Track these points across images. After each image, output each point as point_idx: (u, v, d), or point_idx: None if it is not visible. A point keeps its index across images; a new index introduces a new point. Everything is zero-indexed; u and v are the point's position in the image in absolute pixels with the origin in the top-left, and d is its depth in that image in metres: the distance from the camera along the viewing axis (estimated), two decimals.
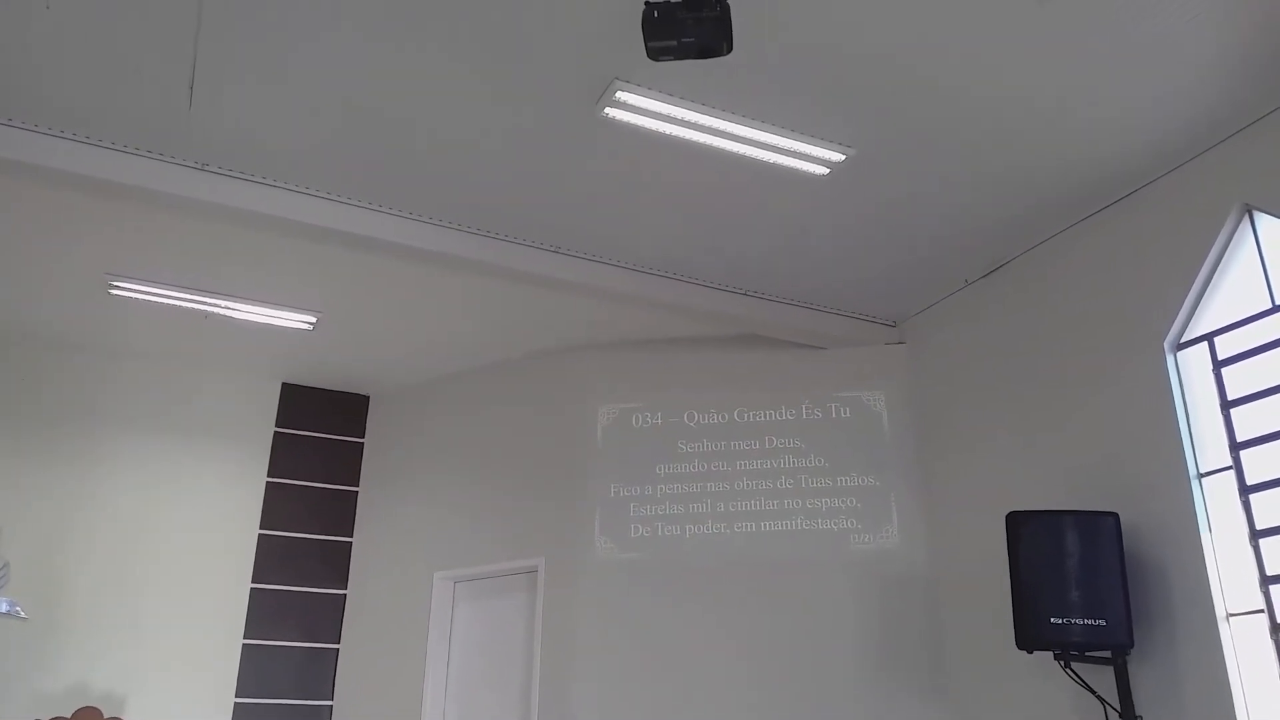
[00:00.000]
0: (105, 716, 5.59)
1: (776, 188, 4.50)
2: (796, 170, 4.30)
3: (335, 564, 6.72)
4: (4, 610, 5.65)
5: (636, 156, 4.28)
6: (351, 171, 4.44)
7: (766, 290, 5.60)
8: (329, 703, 6.43)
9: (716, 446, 5.94)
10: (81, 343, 6.30)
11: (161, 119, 4.02)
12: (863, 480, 5.75)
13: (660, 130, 4.00)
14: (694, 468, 5.92)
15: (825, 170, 4.30)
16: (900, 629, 5.42)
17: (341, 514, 6.85)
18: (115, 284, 5.39)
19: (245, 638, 6.33)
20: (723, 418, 6.00)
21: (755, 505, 5.77)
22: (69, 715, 5.52)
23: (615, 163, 4.33)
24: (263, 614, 6.42)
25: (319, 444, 6.95)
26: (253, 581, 6.46)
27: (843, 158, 4.21)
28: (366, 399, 7.20)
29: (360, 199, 4.64)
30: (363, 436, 7.11)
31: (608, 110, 3.87)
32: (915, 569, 5.50)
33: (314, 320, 5.84)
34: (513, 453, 6.36)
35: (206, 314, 5.75)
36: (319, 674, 6.46)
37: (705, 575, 5.66)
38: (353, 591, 6.70)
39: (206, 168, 4.33)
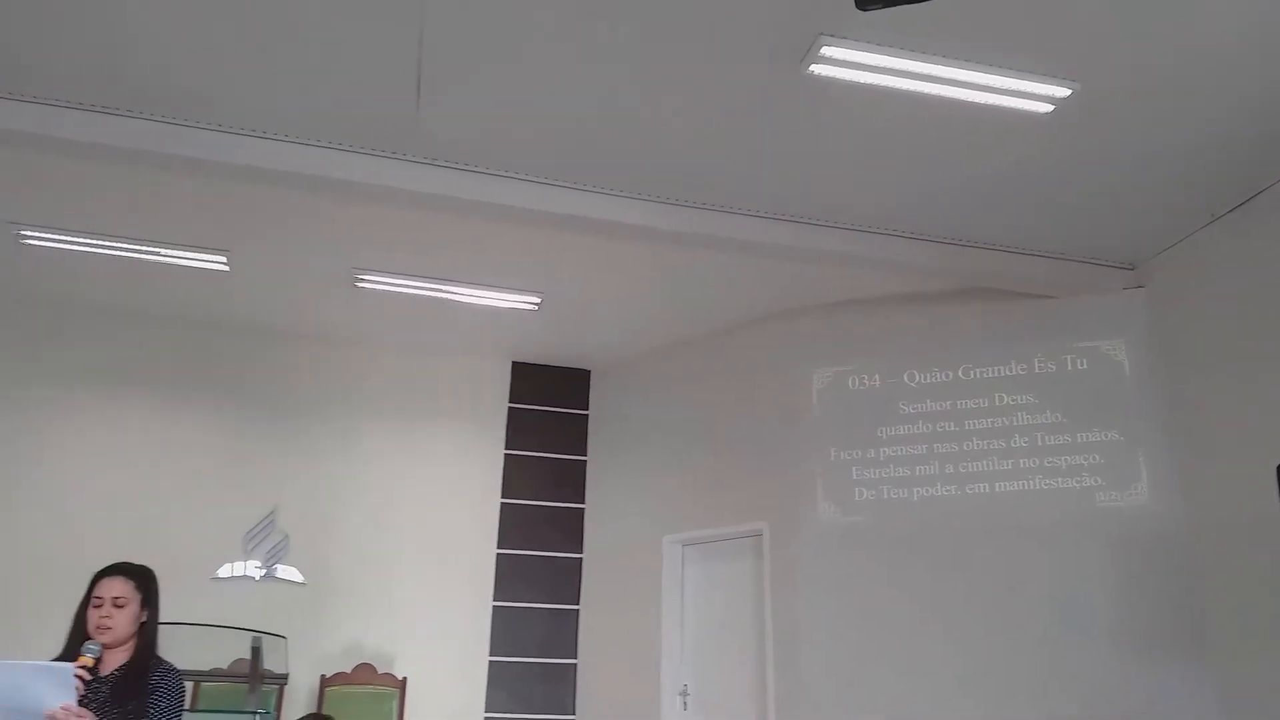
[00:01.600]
0: (379, 672, 6.17)
1: (996, 131, 4.28)
2: (1018, 111, 4.07)
3: (570, 529, 7.07)
4: (279, 576, 6.35)
5: (846, 113, 4.19)
6: (569, 156, 4.60)
7: (989, 239, 5.35)
8: (573, 661, 6.79)
9: (941, 406, 5.76)
10: (333, 335, 6.90)
11: (391, 119, 4.33)
12: (1105, 435, 5.40)
13: (870, 83, 3.90)
14: (918, 429, 5.77)
15: (1049, 108, 4.05)
16: (1155, 594, 5.06)
17: (573, 481, 7.19)
18: (361, 278, 5.87)
19: (495, 600, 6.77)
20: (947, 376, 5.81)
21: (988, 465, 5.55)
22: (349, 670, 6.13)
23: (824, 121, 4.27)
24: (509, 578, 6.85)
25: (548, 417, 7.30)
26: (498, 547, 6.90)
27: (1068, 93, 3.94)
28: (588, 373, 7.49)
29: (579, 181, 4.81)
30: (586, 409, 7.41)
31: (814, 68, 3.82)
32: (1170, 527, 5.12)
33: (538, 300, 6.12)
34: (732, 419, 6.43)
35: (442, 301, 6.16)
36: (563, 633, 6.83)
37: (935, 539, 5.53)
38: (588, 555, 7.03)
39: (436, 162, 4.63)
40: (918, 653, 5.37)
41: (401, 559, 6.69)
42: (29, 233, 5.40)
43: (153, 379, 6.63)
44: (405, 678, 6.19)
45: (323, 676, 6.06)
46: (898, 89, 3.93)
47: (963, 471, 5.59)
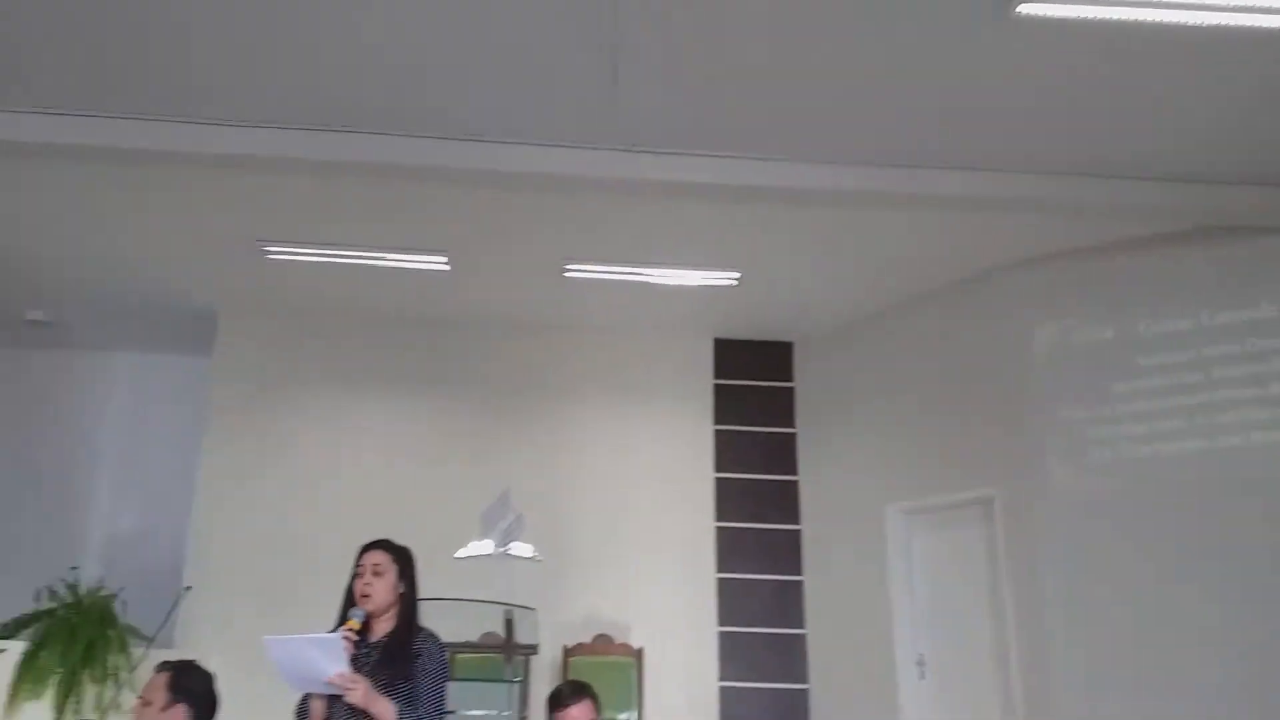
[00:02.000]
0: (616, 642, 6.43)
1: (1228, 52, 3.92)
2: (1253, 29, 3.72)
3: (786, 502, 7.09)
4: (516, 553, 6.72)
5: (1055, 53, 3.97)
6: (763, 127, 4.60)
7: (1223, 173, 4.92)
8: (801, 631, 6.82)
9: (1183, 355, 5.35)
10: (546, 323, 7.20)
11: (590, 111, 4.47)
12: None
13: (1084, 16, 3.67)
14: (1157, 381, 5.39)
15: None
16: None
17: (785, 454, 7.19)
18: (568, 268, 6.10)
19: (718, 572, 6.90)
20: (1187, 323, 5.39)
21: (1243, 416, 5.11)
22: (589, 641, 6.44)
23: (1032, 64, 4.05)
24: (730, 550, 6.96)
25: (754, 392, 7.33)
26: (716, 521, 7.02)
27: None
28: (790, 345, 7.46)
29: (774, 152, 4.80)
30: (791, 381, 7.39)
31: (1021, 8, 3.64)
32: None
33: (738, 275, 6.15)
34: (949, 382, 6.24)
35: (644, 284, 6.30)
36: (789, 604, 6.88)
37: (1186, 499, 5.15)
38: (806, 526, 7.02)
39: (634, 148, 4.75)
40: (1171, 626, 5.03)
41: (625, 534, 6.92)
42: (272, 248, 5.96)
43: (387, 374, 7.18)
44: (641, 647, 6.43)
45: (565, 647, 6.39)
46: (1114, 20, 3.68)
47: (1215, 424, 5.18)
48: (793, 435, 7.24)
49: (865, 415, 6.78)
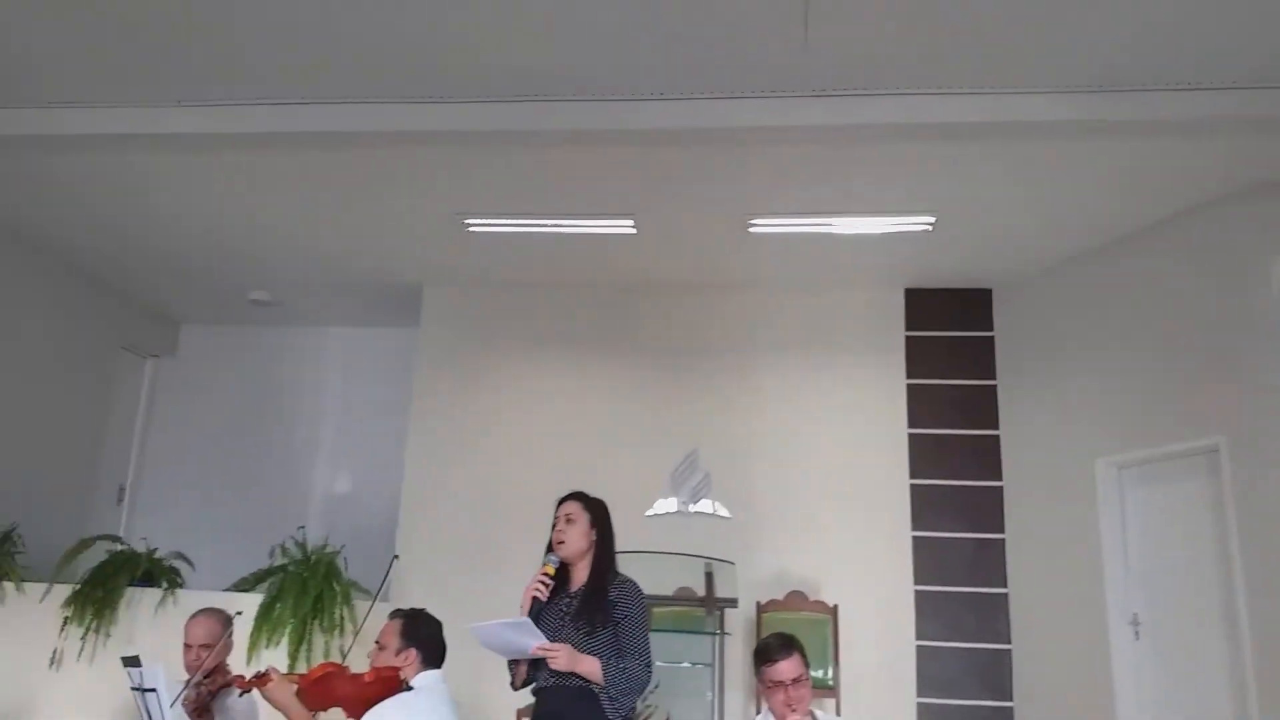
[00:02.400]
0: (810, 599, 6.40)
1: None
2: None
3: (986, 456, 6.80)
4: (706, 511, 6.78)
5: None
6: (959, 58, 4.39)
7: None
8: (1003, 590, 6.57)
9: None
10: (731, 281, 7.17)
11: (777, 58, 4.39)
12: None
13: None
14: None
15: None
16: None
17: (984, 407, 6.90)
18: (753, 223, 6.03)
19: (913, 530, 6.73)
20: None
21: None
22: (781, 597, 6.43)
23: None
24: (925, 508, 6.77)
25: (949, 343, 7.06)
26: (911, 478, 6.83)
27: None
28: (989, 292, 7.11)
29: (970, 85, 4.58)
30: (991, 330, 7.05)
31: None
32: None
33: (932, 220, 5.91)
34: (1169, 324, 5.80)
35: (831, 235, 6.16)
36: (989, 562, 6.63)
37: None
38: (1008, 482, 6.73)
39: (824, 93, 4.63)
40: None
41: (816, 491, 6.85)
42: (471, 221, 6.20)
43: (579, 339, 7.37)
44: (836, 605, 6.36)
45: (758, 603, 6.40)
46: None
47: None
48: (993, 387, 6.92)
49: (1072, 363, 6.40)
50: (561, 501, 3.35)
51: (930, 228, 5.98)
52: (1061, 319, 6.54)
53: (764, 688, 3.21)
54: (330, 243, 6.83)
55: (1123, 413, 6.00)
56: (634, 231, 6.22)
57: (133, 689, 3.31)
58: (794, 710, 3.08)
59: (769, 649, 3.23)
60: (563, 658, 2.99)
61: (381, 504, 7.70)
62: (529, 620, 3.06)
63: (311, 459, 8.45)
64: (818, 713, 3.12)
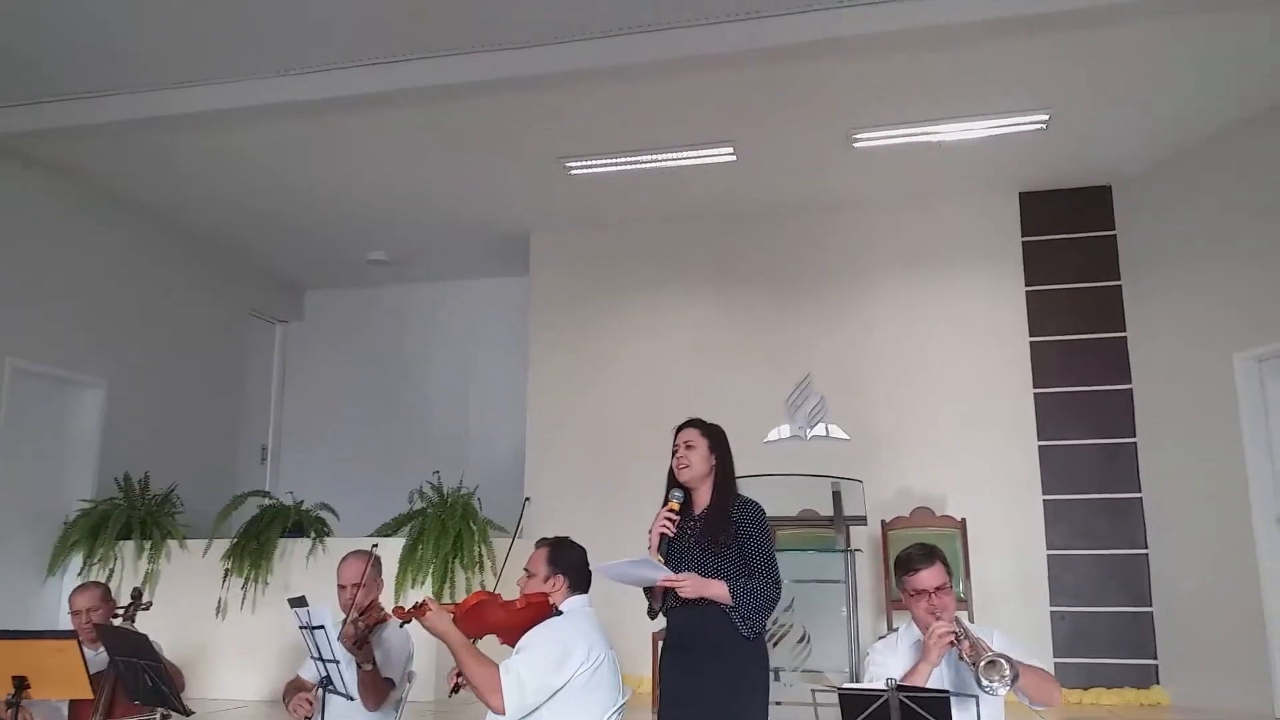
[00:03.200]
0: (937, 514, 6.38)
1: None
2: None
3: (1113, 359, 6.61)
4: (823, 434, 6.79)
5: None
6: None
7: None
8: (1137, 495, 6.42)
9: None
10: (837, 201, 7.07)
11: None
12: None
13: None
14: None
15: None
16: None
17: (1108, 310, 6.68)
18: (857, 138, 5.91)
19: (1039, 439, 6.61)
20: None
21: None
22: (907, 514, 6.43)
23: None
24: (1051, 416, 6.64)
25: (1068, 245, 6.83)
26: (1034, 387, 6.68)
27: None
28: (1108, 189, 6.82)
29: None
30: (1113, 228, 6.78)
31: None
32: None
33: (1045, 118, 5.68)
34: None
35: (939, 145, 5.99)
36: (1119, 468, 6.48)
37: None
38: (1138, 384, 6.52)
39: None
40: None
41: (937, 406, 6.78)
42: (573, 163, 6.26)
43: (685, 273, 7.42)
44: (964, 519, 6.32)
45: (883, 522, 6.41)
46: None
47: None
48: (1117, 288, 6.69)
49: (1203, 255, 6.12)
50: (679, 429, 3.36)
51: (1044, 126, 5.76)
52: (1188, 209, 6.24)
53: (907, 597, 3.22)
54: (438, 197, 7.00)
55: (1259, 302, 5.73)
56: (734, 158, 6.17)
57: (301, 628, 3.49)
58: (938, 618, 3.09)
59: (911, 559, 3.22)
60: (690, 586, 3.06)
61: (508, 445, 7.98)
62: (649, 558, 3.13)
63: (438, 408, 8.79)
64: (963, 621, 3.12)
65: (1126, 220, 6.72)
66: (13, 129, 5.86)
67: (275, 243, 8.02)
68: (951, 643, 2.99)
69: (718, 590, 3.08)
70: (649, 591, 3.28)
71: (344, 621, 3.66)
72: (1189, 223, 6.24)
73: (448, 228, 7.62)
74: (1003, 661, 2.80)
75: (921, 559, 3.21)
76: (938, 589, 3.15)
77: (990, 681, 2.80)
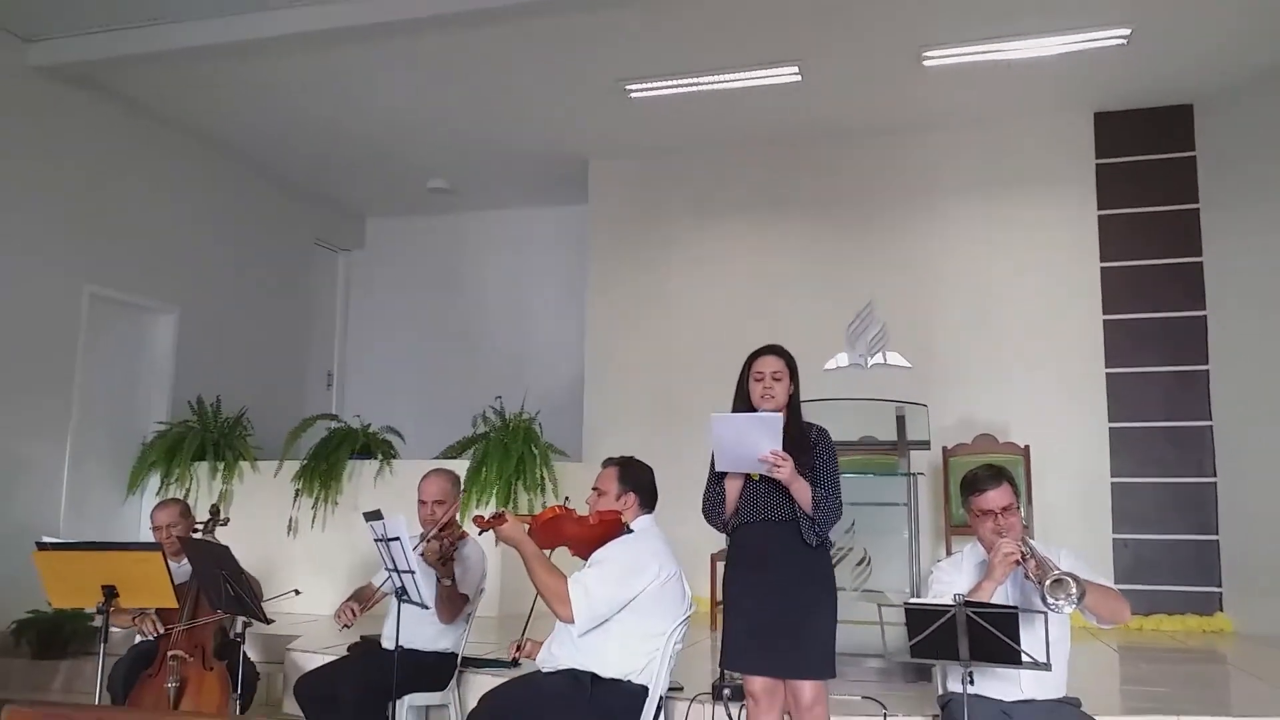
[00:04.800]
0: (1000, 442, 6.32)
1: None
2: None
3: (1188, 285, 6.43)
4: (885, 362, 6.74)
5: None
6: None
7: None
8: (1207, 423, 6.29)
9: None
10: (904, 123, 6.89)
11: None
12: None
13: None
14: None
15: None
16: None
17: (1185, 234, 6.48)
18: (927, 55, 5.73)
19: (1107, 367, 6.49)
20: None
21: None
22: (969, 441, 6.38)
23: None
24: (1120, 343, 6.50)
25: (1144, 167, 6.61)
26: (1104, 313, 6.54)
27: None
28: (1189, 108, 6.56)
29: None
30: (1192, 150, 6.53)
31: None
32: None
33: (1127, 33, 5.45)
34: None
35: (1010, 63, 5.79)
36: (1191, 396, 6.35)
37: None
38: (1213, 311, 6.35)
39: None
40: None
41: (1002, 333, 6.68)
42: (633, 86, 6.18)
43: (746, 198, 7.34)
44: (1027, 445, 6.27)
45: (944, 448, 6.38)
46: None
47: None
48: (1194, 211, 6.47)
49: None
50: (759, 356, 3.33)
51: (1124, 41, 5.52)
52: (1273, 129, 5.98)
53: (973, 518, 3.23)
54: (497, 124, 6.98)
55: None
56: (799, 78, 6.03)
57: (376, 540, 3.61)
58: (1004, 537, 3.09)
59: (977, 479, 3.22)
60: (788, 469, 3.06)
61: (568, 370, 8.06)
62: (779, 419, 3.10)
63: (497, 334, 8.88)
64: (1029, 540, 3.12)
65: (1207, 141, 6.46)
66: (87, 56, 5.94)
67: (338, 172, 8.08)
68: (1017, 561, 3.00)
69: (803, 486, 3.13)
70: (722, 505, 3.27)
71: (426, 537, 3.77)
72: (1272, 142, 5.98)
73: (507, 155, 7.60)
74: (1069, 580, 2.81)
75: (989, 479, 3.21)
76: (1004, 509, 3.15)
77: (1056, 599, 2.80)
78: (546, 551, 3.36)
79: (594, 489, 3.55)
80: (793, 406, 3.31)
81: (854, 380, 6.83)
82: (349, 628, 3.87)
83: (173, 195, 7.21)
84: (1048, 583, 2.83)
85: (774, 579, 3.15)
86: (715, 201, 7.40)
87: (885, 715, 3.62)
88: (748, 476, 3.23)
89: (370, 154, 7.62)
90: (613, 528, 3.39)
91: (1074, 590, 2.80)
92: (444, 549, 3.75)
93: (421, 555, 3.75)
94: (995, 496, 3.17)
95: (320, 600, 6.43)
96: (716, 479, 3.29)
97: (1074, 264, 6.63)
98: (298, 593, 4.06)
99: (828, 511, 3.16)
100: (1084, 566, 3.05)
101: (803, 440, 3.22)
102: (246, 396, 7.37)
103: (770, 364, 3.30)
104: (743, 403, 3.32)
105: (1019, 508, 3.22)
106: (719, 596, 6.31)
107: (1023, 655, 2.74)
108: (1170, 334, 6.44)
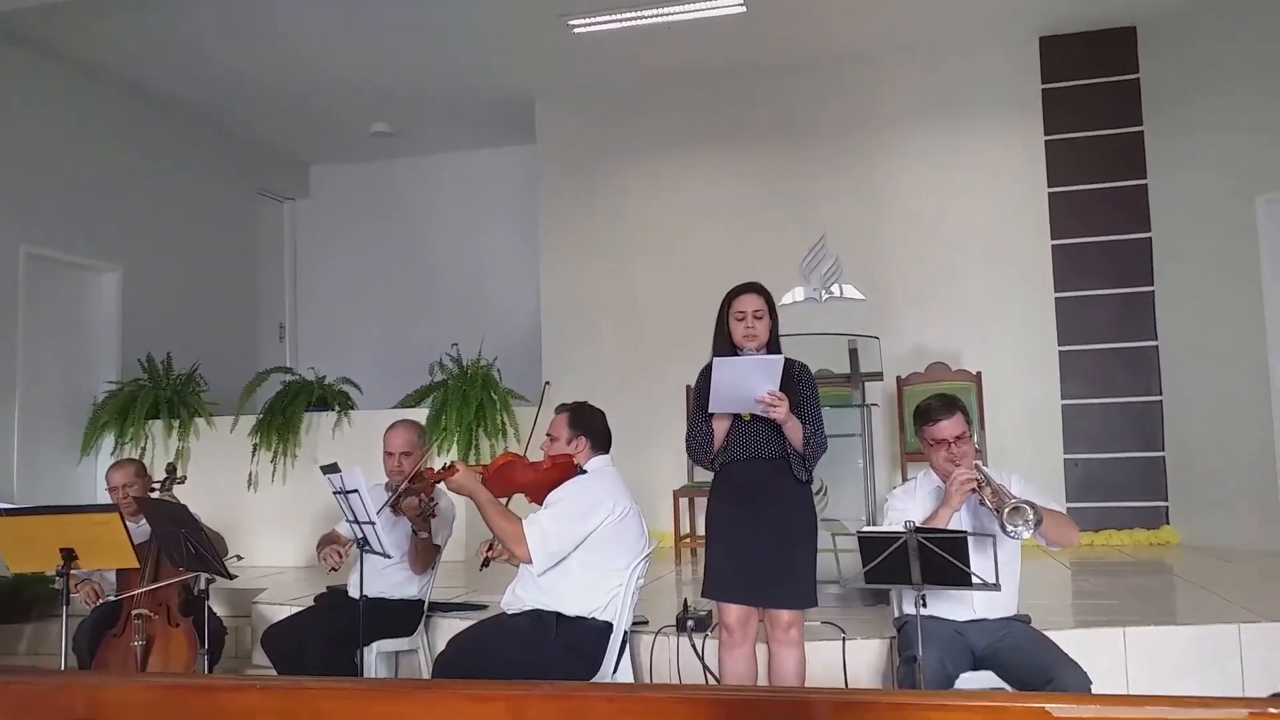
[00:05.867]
0: (953, 369, 6.42)
1: None
2: None
3: (1132, 207, 6.51)
4: (838, 295, 6.78)
5: None
6: None
7: None
8: (1153, 343, 6.44)
9: None
10: (850, 55, 6.83)
11: None
12: None
13: None
14: None
15: None
16: None
17: (1130, 156, 6.54)
18: None
19: (1056, 291, 6.59)
20: None
21: None
22: (923, 370, 6.47)
23: None
24: (1068, 267, 6.60)
25: (1089, 91, 6.64)
26: (1052, 239, 6.62)
27: None
28: (1132, 31, 6.57)
29: None
30: (1136, 72, 6.57)
31: None
32: None
33: None
34: None
35: None
36: (1137, 317, 6.48)
37: None
38: (1157, 232, 6.45)
39: None
40: None
41: (953, 261, 6.74)
42: (576, 21, 6.05)
43: (698, 133, 7.28)
44: (979, 372, 6.37)
45: (898, 377, 6.48)
46: None
47: None
48: (1139, 134, 6.52)
49: (1230, 97, 5.97)
50: (738, 295, 3.29)
51: None
52: (1217, 50, 6.05)
53: (926, 447, 3.29)
54: (439, 63, 6.82)
55: None
56: (743, 9, 5.95)
57: (334, 493, 3.59)
58: (958, 465, 3.15)
59: (931, 409, 3.28)
60: (784, 408, 3.08)
61: (523, 315, 8.01)
62: (780, 361, 3.10)
63: (451, 281, 8.78)
64: (983, 468, 3.19)
65: (1151, 62, 6.50)
66: (16, 4, 5.68)
67: (278, 119, 7.87)
68: (973, 489, 3.07)
69: (796, 425, 3.15)
70: (710, 442, 3.27)
71: (396, 489, 3.74)
72: (1215, 64, 6.05)
73: (449, 96, 7.44)
74: (1027, 507, 2.88)
75: (941, 409, 3.27)
76: (957, 438, 3.21)
77: (1015, 526, 2.89)
78: (504, 500, 3.38)
79: (547, 435, 3.56)
80: (774, 344, 3.31)
81: (810, 314, 6.87)
82: (337, 570, 3.85)
83: (108, 151, 6.98)
84: (1006, 510, 2.91)
85: (764, 511, 3.21)
86: (665, 137, 7.32)
87: (844, 638, 3.72)
88: (737, 416, 3.24)
89: (308, 100, 7.43)
90: (565, 470, 3.42)
91: (1031, 517, 2.88)
92: (423, 505, 3.74)
93: (400, 512, 3.74)
94: (948, 426, 3.23)
95: (285, 553, 6.47)
96: (704, 417, 3.27)
97: (1022, 190, 6.68)
98: (239, 558, 4.05)
99: (816, 447, 3.22)
100: (1035, 490, 3.13)
101: (789, 379, 3.24)
102: (198, 352, 7.24)
103: (751, 302, 3.27)
104: (724, 341, 3.29)
105: (971, 435, 3.29)
106: (684, 531, 6.45)
107: (973, 577, 2.83)
108: (1117, 256, 6.54)
